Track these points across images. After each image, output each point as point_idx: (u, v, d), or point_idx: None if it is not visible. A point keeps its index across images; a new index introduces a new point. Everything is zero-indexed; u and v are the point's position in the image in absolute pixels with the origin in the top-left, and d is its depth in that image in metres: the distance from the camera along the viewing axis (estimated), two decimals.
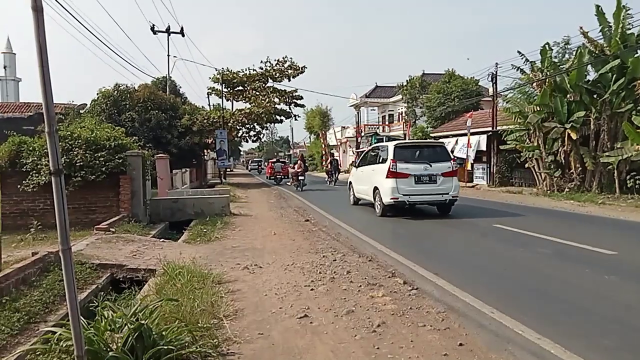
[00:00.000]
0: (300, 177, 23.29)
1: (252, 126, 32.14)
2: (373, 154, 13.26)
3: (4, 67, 69.13)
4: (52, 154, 2.62)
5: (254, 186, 29.37)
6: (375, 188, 12.22)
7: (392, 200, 11.56)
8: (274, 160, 36.73)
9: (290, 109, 32.87)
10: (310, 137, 69.06)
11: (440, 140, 28.33)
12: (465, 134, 24.64)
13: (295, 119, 37.45)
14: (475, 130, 24.37)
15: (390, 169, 11.50)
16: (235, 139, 37.20)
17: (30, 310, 5.01)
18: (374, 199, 12.38)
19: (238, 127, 31.53)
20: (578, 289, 5.49)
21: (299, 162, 24.47)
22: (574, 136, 17.52)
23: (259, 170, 64.10)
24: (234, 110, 32.24)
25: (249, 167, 66.30)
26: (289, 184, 27.09)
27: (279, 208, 15.38)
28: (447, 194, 11.73)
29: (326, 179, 29.35)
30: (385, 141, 39.55)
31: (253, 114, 29.99)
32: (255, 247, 8.49)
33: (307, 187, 23.80)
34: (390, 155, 11.67)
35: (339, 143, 52.60)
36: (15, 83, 69.90)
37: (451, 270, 6.49)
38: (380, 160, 12.33)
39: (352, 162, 42.80)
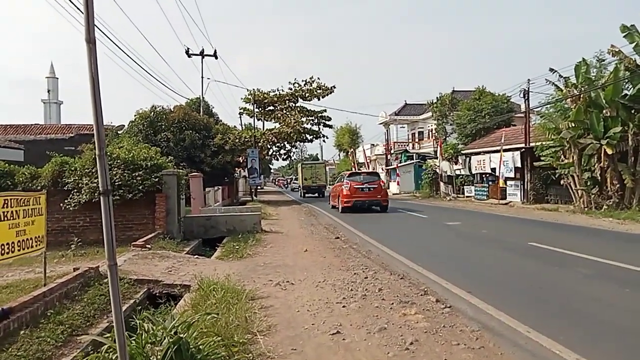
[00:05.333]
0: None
1: (282, 145, 32.58)
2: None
3: (48, 91, 72.35)
4: (101, 175, 2.79)
5: (284, 203, 29.69)
6: None
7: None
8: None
9: (319, 129, 33.22)
10: (339, 155, 69.51)
11: (472, 157, 28.21)
12: (497, 151, 24.30)
13: (324, 141, 37.52)
14: (508, 147, 24.01)
15: None
16: (266, 157, 37.84)
17: (73, 323, 5.20)
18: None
19: (268, 146, 32.01)
20: (618, 310, 5.35)
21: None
22: (609, 152, 17.06)
23: (285, 186, 68.39)
24: (264, 130, 32.74)
25: (290, 185, 69.20)
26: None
27: (310, 225, 15.48)
28: None
29: None
30: (416, 158, 40.10)
31: (283, 133, 30.40)
32: (287, 264, 8.56)
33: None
34: None
35: (368, 160, 52.41)
36: (57, 106, 72.97)
37: (485, 288, 6.41)
38: None
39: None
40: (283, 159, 35.58)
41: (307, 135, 32.44)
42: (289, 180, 78.79)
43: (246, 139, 29.13)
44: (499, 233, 12.17)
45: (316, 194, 40.18)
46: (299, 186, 46.04)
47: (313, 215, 19.69)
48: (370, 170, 48.88)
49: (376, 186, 20.70)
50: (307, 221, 17.16)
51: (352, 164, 52.03)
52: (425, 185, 33.38)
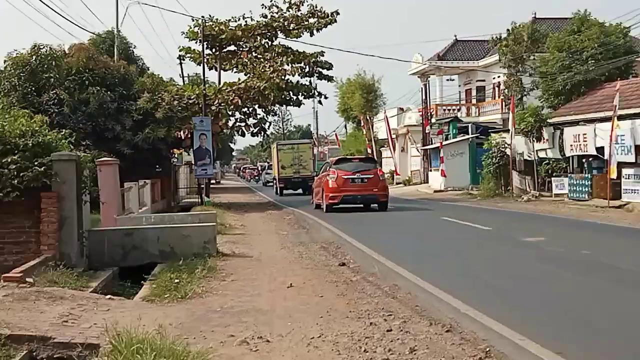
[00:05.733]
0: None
1: (251, 110, 32.47)
2: None
3: None
4: None
5: (255, 208, 29.92)
6: None
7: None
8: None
9: (312, 83, 33.31)
10: (345, 127, 69.37)
11: (565, 129, 28.18)
12: (607, 119, 24.29)
13: (320, 102, 36.99)
14: (625, 112, 24.03)
15: None
16: (224, 132, 37.71)
17: None
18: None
19: (229, 113, 31.87)
20: None
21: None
22: None
23: (256, 179, 75.13)
24: (221, 84, 32.46)
25: (263, 177, 69.62)
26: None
27: (297, 243, 15.55)
28: None
29: None
30: (472, 132, 40.91)
31: (252, 90, 30.20)
32: (259, 309, 8.59)
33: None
34: None
35: (393, 136, 51.90)
36: None
37: (588, 345, 6.47)
38: None
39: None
40: (253, 134, 35.06)
41: (293, 94, 32.39)
42: (261, 170, 78.52)
43: (191, 101, 29.10)
44: (611, 255, 12.17)
45: (300, 190, 42.10)
46: (274, 178, 48.35)
47: (302, 227, 19.88)
48: (394, 148, 49.47)
49: (372, 176, 24.65)
50: (292, 236, 17.26)
51: (367, 142, 51.99)
52: (488, 176, 33.32)
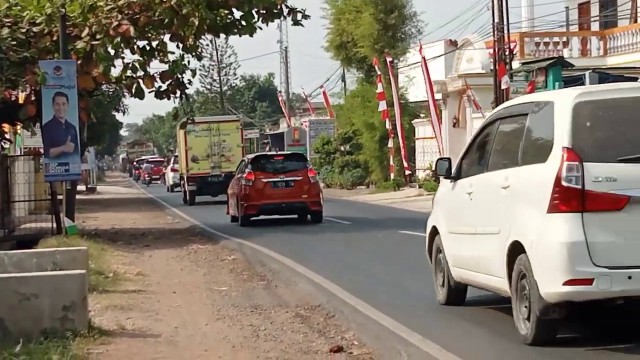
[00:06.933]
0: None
1: (155, 47, 20.16)
2: (507, 134, 9.19)
3: None
4: None
5: (167, 239, 21.86)
6: (515, 247, 8.02)
7: (569, 288, 7.33)
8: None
9: None
10: (343, 79, 46.76)
11: None
12: None
13: (297, 23, 20.59)
14: None
15: (563, 183, 7.52)
16: (102, 88, 23.93)
17: None
18: (515, 287, 8.20)
19: (111, 50, 19.98)
20: None
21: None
22: None
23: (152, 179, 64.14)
24: None
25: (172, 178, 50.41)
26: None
27: (249, 310, 10.86)
28: None
29: None
30: (591, 81, 24.44)
31: (155, 5, 18.99)
32: None
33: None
34: (564, 136, 7.56)
35: (438, 95, 34.53)
36: None
37: None
38: (526, 157, 8.31)
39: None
40: (160, 95, 21.39)
41: (239, 12, 19.32)
42: (172, 162, 52.66)
43: (36, 28, 18.92)
44: None
45: (224, 196, 30.51)
46: (180, 177, 38.40)
47: (258, 277, 14.51)
48: (439, 119, 33.14)
49: (300, 178, 22.45)
50: (239, 295, 12.50)
51: (384, 109, 33.48)
52: None
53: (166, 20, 19.21)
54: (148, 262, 17.51)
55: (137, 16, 19.33)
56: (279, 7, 19.89)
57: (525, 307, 7.67)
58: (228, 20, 20.10)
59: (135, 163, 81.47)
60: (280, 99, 70.69)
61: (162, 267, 16.61)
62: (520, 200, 8.08)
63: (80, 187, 30.97)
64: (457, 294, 9.99)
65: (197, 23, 18.83)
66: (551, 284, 7.34)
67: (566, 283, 7.17)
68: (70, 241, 17.17)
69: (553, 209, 7.44)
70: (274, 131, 71.12)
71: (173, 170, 47.88)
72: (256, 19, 19.92)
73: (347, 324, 9.28)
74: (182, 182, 37.85)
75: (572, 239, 7.28)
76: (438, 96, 34.65)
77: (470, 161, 9.79)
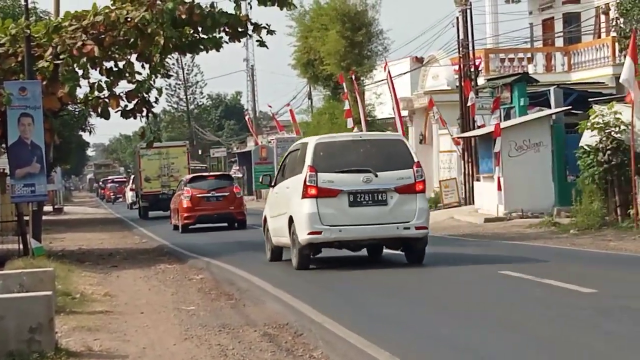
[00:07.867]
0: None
1: (122, 67, 19.47)
2: (293, 157, 16.33)
3: None
4: None
5: (134, 259, 20.92)
6: (290, 219, 14.75)
7: (310, 236, 14.12)
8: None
9: (242, 7, 18.96)
10: (310, 97, 45.31)
11: None
12: None
13: (261, 43, 20.51)
14: None
15: (307, 183, 14.11)
16: (68, 108, 24.17)
17: None
18: (291, 239, 14.92)
19: (78, 70, 19.41)
20: None
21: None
22: None
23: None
24: (61, 16, 20.33)
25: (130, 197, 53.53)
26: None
27: (217, 329, 10.43)
28: (405, 222, 13.94)
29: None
30: (557, 102, 24.41)
31: (121, 25, 18.28)
32: None
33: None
34: (308, 160, 14.30)
35: (404, 112, 34.15)
36: None
37: None
38: (297, 171, 15.06)
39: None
40: (127, 114, 20.69)
41: (205, 32, 19.06)
42: (131, 182, 55.00)
43: (0, 48, 18.47)
44: None
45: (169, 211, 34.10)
46: (135, 194, 43.74)
47: (225, 297, 13.84)
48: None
49: (227, 194, 28.11)
50: (207, 315, 11.94)
51: (351, 125, 31.71)
52: (590, 188, 20.44)
53: (131, 40, 18.93)
54: (116, 282, 17.27)
55: (102, 36, 19.03)
56: (243, 23, 19.59)
57: (295, 249, 14.57)
58: (193, 38, 19.77)
59: (101, 183, 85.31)
60: (247, 117, 70.31)
61: (129, 288, 16.31)
62: (292, 193, 14.77)
63: (47, 208, 31.83)
64: (277, 253, 16.48)
65: (162, 42, 18.47)
66: (302, 234, 14.10)
67: (309, 234, 14.03)
68: (37, 262, 16.68)
69: (303, 196, 14.20)
70: (241, 149, 70.69)
71: (131, 189, 51.70)
72: (222, 35, 19.65)
73: (316, 343, 8.93)
74: (135, 198, 43.89)
75: (311, 210, 14.10)
76: (404, 113, 33.94)
77: (280, 175, 16.61)
